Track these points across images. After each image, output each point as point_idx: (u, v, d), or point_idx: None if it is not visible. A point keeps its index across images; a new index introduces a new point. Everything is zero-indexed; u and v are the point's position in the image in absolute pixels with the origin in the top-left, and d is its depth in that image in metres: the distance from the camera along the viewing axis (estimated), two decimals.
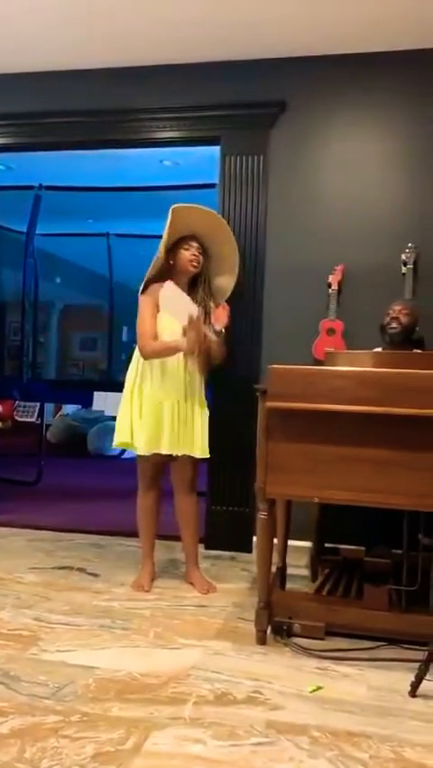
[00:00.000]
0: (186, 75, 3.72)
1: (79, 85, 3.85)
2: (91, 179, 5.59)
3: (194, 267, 2.98)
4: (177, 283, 2.98)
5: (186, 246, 2.97)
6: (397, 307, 3.10)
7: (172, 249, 2.98)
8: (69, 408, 8.74)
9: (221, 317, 2.94)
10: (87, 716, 1.86)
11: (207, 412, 3.03)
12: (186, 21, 3.32)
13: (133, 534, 3.77)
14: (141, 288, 3.00)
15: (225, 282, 3.20)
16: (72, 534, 3.89)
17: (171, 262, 2.98)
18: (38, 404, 7.00)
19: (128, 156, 4.66)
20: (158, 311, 2.93)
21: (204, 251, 3.02)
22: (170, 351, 2.86)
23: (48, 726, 1.80)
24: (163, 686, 2.05)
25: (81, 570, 3.23)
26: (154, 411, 2.89)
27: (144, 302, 2.96)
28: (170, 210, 2.93)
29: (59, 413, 8.88)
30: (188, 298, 2.97)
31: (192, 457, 2.97)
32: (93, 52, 3.69)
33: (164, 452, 2.90)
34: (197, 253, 2.98)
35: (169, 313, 2.91)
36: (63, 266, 9.26)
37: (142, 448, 2.89)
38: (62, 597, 2.83)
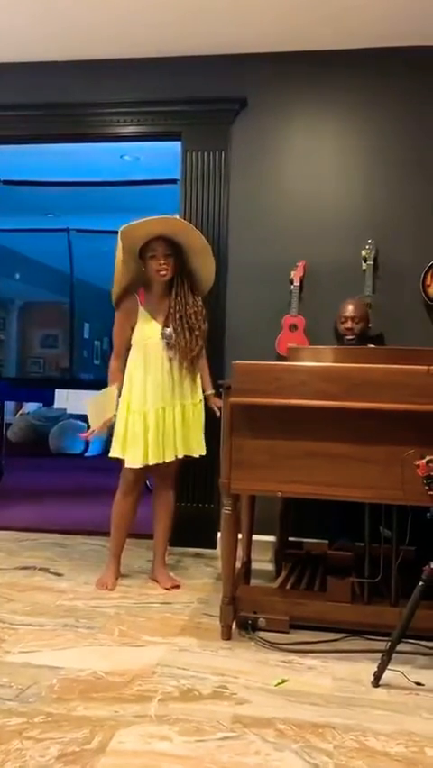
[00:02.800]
0: (147, 69, 3.69)
1: (39, 78, 3.79)
2: (51, 174, 5.51)
3: (162, 276, 2.89)
4: (152, 292, 2.95)
5: (151, 253, 2.87)
6: (348, 314, 3.15)
7: (141, 256, 2.91)
8: (30, 407, 8.61)
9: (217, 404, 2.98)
10: (51, 716, 1.84)
11: (200, 409, 3.01)
12: (146, 15, 3.30)
13: (96, 532, 3.76)
14: (114, 302, 2.98)
15: (207, 271, 3.09)
16: (35, 533, 3.84)
17: (142, 270, 2.94)
18: None
19: (88, 151, 4.62)
20: (134, 320, 2.93)
21: (173, 251, 2.90)
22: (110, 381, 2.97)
23: (11, 728, 1.77)
24: (128, 684, 2.04)
25: (44, 569, 3.19)
26: (142, 421, 2.87)
27: (118, 318, 2.98)
28: (119, 234, 2.83)
29: (20, 411, 8.76)
30: (107, 404, 2.93)
31: (175, 459, 2.96)
32: (53, 45, 3.63)
33: (151, 462, 2.88)
34: (163, 261, 2.87)
35: (90, 410, 2.95)
36: (23, 262, 9.12)
37: (129, 461, 2.87)
38: (25, 597, 2.79)
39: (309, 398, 2.29)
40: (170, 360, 2.91)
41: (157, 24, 3.38)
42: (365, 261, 3.42)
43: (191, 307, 2.94)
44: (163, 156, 4.35)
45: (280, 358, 3.36)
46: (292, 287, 3.49)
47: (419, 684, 2.09)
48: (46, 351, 11.81)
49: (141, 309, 2.93)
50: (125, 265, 2.90)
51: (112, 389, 2.94)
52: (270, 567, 3.22)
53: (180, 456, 2.96)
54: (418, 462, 2.09)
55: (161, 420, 2.88)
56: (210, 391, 3.08)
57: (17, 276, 9.32)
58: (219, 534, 3.27)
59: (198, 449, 3.00)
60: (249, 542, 2.97)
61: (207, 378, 3.11)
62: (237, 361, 2.38)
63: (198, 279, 3.05)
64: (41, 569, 3.20)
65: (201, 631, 2.48)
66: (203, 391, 3.06)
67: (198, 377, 3.02)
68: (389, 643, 2.09)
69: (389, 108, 3.52)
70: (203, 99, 3.62)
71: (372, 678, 2.09)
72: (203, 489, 3.60)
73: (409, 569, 2.37)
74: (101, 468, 6.64)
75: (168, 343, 2.89)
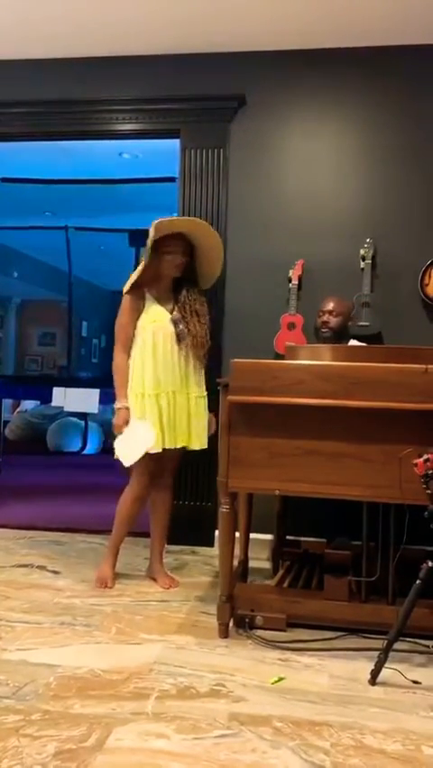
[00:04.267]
0: (145, 67, 3.69)
1: (37, 75, 3.78)
2: (49, 172, 5.51)
3: (177, 273, 2.94)
4: (161, 284, 2.95)
5: (170, 249, 2.89)
6: (327, 308, 3.17)
7: (156, 249, 2.89)
8: (28, 405, 8.61)
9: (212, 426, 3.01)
10: (48, 714, 1.84)
11: (204, 403, 2.99)
12: (146, 12, 3.29)
13: (94, 530, 3.76)
14: (126, 289, 2.92)
15: (214, 270, 3.12)
16: (32, 531, 3.84)
17: (156, 265, 2.93)
18: None
19: (87, 148, 4.61)
20: (138, 315, 2.91)
21: (186, 248, 2.94)
22: (116, 386, 2.91)
23: (8, 725, 1.77)
24: (126, 682, 2.04)
25: (42, 567, 3.19)
26: (156, 404, 2.85)
27: (126, 302, 2.92)
28: (153, 225, 2.83)
29: (18, 409, 8.75)
30: (141, 430, 2.86)
31: (180, 450, 2.94)
32: (52, 43, 3.63)
33: (167, 446, 2.85)
34: (180, 256, 2.90)
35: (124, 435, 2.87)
36: (21, 260, 9.12)
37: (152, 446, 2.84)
38: (23, 595, 2.79)
39: (307, 397, 2.29)
40: (180, 347, 2.90)
41: (156, 22, 3.38)
42: (364, 260, 3.42)
43: (198, 301, 2.99)
44: (162, 154, 4.35)
45: (279, 356, 3.37)
46: (291, 285, 3.49)
47: (415, 682, 2.09)
48: (44, 348, 11.81)
49: (148, 295, 2.93)
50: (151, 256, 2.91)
51: (143, 425, 2.85)
52: (267, 565, 3.23)
53: (181, 446, 2.93)
54: (415, 461, 2.09)
55: (172, 404, 2.88)
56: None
57: (15, 274, 9.31)
58: (217, 533, 3.27)
59: (199, 442, 2.97)
60: (246, 540, 2.97)
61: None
62: (236, 360, 2.38)
63: (202, 276, 3.07)
64: (38, 567, 3.20)
65: (198, 629, 2.48)
66: None
67: (203, 371, 3.01)
68: (386, 641, 2.10)
69: (388, 107, 3.52)
70: (202, 97, 3.61)
71: (369, 676, 2.09)
72: (200, 487, 3.60)
73: (406, 567, 2.38)
74: (99, 466, 6.65)
75: (178, 332, 2.89)
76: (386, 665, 2.09)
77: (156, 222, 2.85)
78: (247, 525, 2.95)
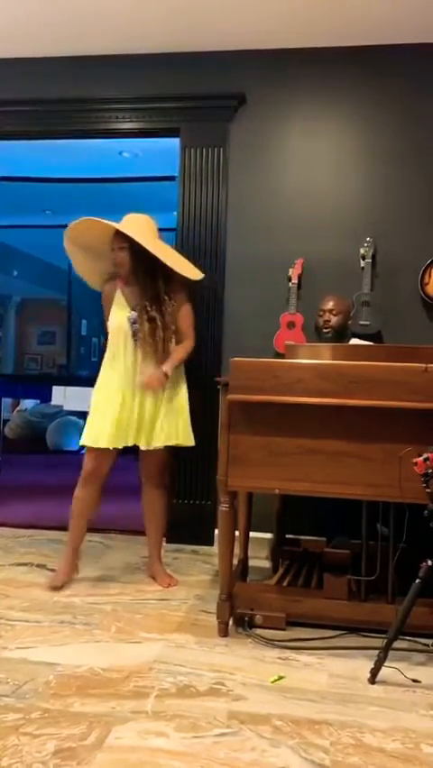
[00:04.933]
0: (145, 66, 3.68)
1: (37, 73, 3.78)
2: (49, 170, 5.50)
3: (119, 266, 2.91)
4: (125, 280, 2.95)
5: (111, 247, 2.92)
6: (327, 307, 3.17)
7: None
8: (27, 403, 8.60)
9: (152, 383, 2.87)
10: (48, 712, 1.84)
11: (177, 398, 2.94)
12: (144, 12, 3.29)
13: (93, 529, 3.73)
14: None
15: (175, 264, 2.97)
16: (32, 530, 3.84)
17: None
18: None
19: (87, 147, 4.61)
20: (110, 304, 2.96)
21: (130, 246, 2.87)
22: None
23: (8, 723, 1.77)
24: (125, 680, 2.04)
25: (41, 566, 3.19)
26: (107, 403, 2.86)
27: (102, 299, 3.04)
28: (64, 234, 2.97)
29: (18, 408, 8.75)
30: None
31: (158, 449, 2.93)
32: (51, 41, 3.62)
33: (111, 446, 2.82)
34: (118, 253, 2.89)
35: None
36: (20, 258, 9.11)
37: (88, 441, 2.85)
38: (22, 593, 2.79)
39: (307, 396, 2.29)
40: (135, 347, 2.89)
41: (155, 20, 3.38)
42: (364, 259, 3.42)
43: (157, 299, 2.87)
44: (162, 153, 4.35)
45: (279, 355, 3.36)
46: (290, 284, 3.49)
47: (415, 681, 2.10)
48: (43, 347, 11.80)
49: (118, 293, 2.95)
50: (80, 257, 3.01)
51: None
52: (267, 564, 3.23)
53: (154, 447, 2.87)
54: (415, 460, 2.09)
55: (126, 405, 2.85)
56: (164, 368, 2.89)
57: (15, 272, 9.31)
58: (216, 531, 3.27)
59: (176, 439, 2.90)
60: (246, 539, 2.97)
61: (172, 357, 2.92)
62: (235, 358, 2.38)
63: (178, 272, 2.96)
64: (38, 565, 3.20)
65: (198, 628, 2.48)
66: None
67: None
68: (385, 640, 2.10)
69: (388, 105, 3.52)
70: (201, 96, 3.61)
71: (368, 675, 2.10)
72: (200, 485, 3.60)
73: (405, 566, 2.38)
74: None
75: (134, 331, 2.88)
76: (386, 664, 2.09)
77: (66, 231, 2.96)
78: (247, 524, 2.95)
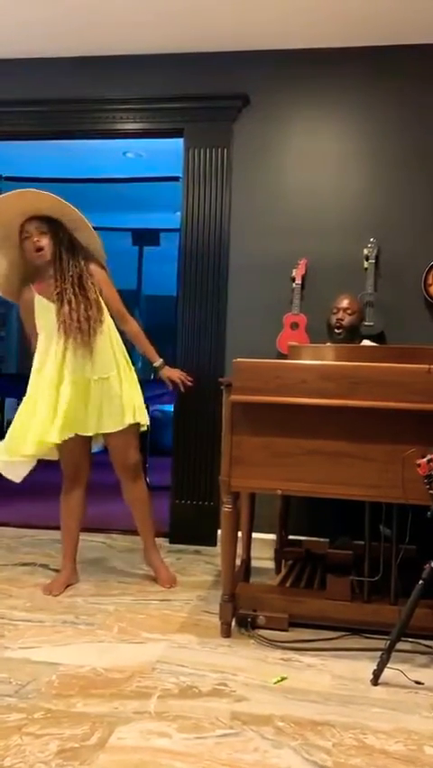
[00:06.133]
0: (149, 66, 3.69)
1: (41, 74, 3.78)
2: (53, 171, 5.50)
3: (40, 254, 2.70)
4: (44, 274, 2.75)
5: (25, 235, 2.70)
6: (342, 305, 3.15)
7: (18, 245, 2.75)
8: None
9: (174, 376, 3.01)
10: (50, 712, 1.84)
11: (116, 383, 2.79)
12: (149, 12, 3.29)
13: (96, 529, 3.76)
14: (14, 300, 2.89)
15: (90, 240, 2.84)
16: (34, 530, 3.84)
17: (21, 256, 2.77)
18: None
19: (91, 147, 4.61)
20: (33, 310, 2.79)
21: (50, 223, 2.71)
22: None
23: (11, 723, 1.77)
24: (128, 680, 2.04)
25: (44, 566, 3.20)
26: (47, 401, 2.74)
27: (21, 314, 2.89)
28: None
29: None
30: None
31: (120, 437, 2.82)
32: (55, 42, 3.63)
33: (58, 440, 2.70)
34: (39, 239, 2.69)
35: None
36: None
37: (31, 449, 2.73)
38: (25, 593, 2.80)
39: (310, 397, 2.29)
40: (60, 337, 2.71)
41: (159, 21, 3.38)
42: (367, 260, 3.42)
43: (68, 280, 2.70)
44: (166, 153, 4.35)
45: (282, 356, 3.36)
46: (294, 285, 3.49)
47: (418, 683, 2.09)
48: None
49: (38, 297, 2.77)
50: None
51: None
52: (269, 565, 3.23)
53: (87, 434, 2.80)
54: (418, 461, 2.09)
55: (67, 395, 2.71)
56: (158, 362, 2.91)
57: None
58: (219, 532, 3.27)
59: (113, 423, 2.77)
60: (249, 539, 2.97)
61: (147, 347, 2.92)
62: (238, 359, 2.38)
63: (92, 251, 2.84)
64: (40, 565, 3.20)
65: (200, 628, 2.48)
66: (150, 363, 2.97)
67: (105, 349, 2.77)
68: (388, 641, 2.10)
69: (391, 106, 3.52)
70: (205, 96, 3.62)
71: (371, 676, 2.09)
72: (203, 486, 3.60)
73: (408, 567, 2.37)
74: (101, 464, 6.64)
75: (59, 324, 2.71)
76: (388, 665, 2.09)
77: None
78: (249, 525, 2.94)
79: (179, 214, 3.70)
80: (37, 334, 2.84)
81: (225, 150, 3.62)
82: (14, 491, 4.99)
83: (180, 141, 3.69)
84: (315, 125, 3.59)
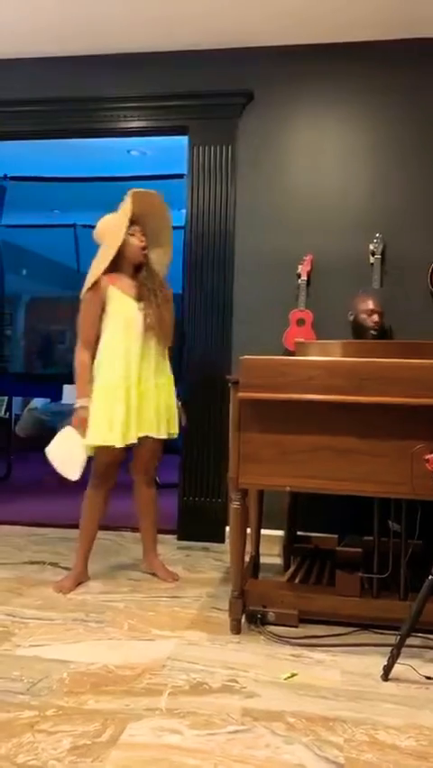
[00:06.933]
0: (153, 64, 3.69)
1: (45, 73, 3.79)
2: (57, 170, 5.52)
3: (144, 255, 2.88)
4: (123, 272, 2.87)
5: (131, 232, 2.84)
6: (371, 307, 3.13)
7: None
8: (38, 402, 8.64)
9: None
10: (62, 709, 1.85)
11: (171, 389, 2.94)
12: (152, 10, 3.29)
13: (105, 526, 3.75)
14: (87, 286, 2.81)
15: (163, 257, 3.01)
16: (44, 528, 3.86)
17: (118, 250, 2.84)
18: (5, 398, 6.91)
19: (95, 146, 4.61)
20: (104, 309, 2.82)
21: (144, 232, 2.89)
22: (78, 384, 2.82)
23: (23, 721, 1.78)
24: (139, 677, 2.05)
25: (54, 564, 3.21)
26: (124, 397, 2.77)
27: (88, 302, 2.82)
28: (130, 195, 2.80)
29: (28, 407, 8.78)
30: (73, 444, 2.81)
31: (157, 443, 2.89)
32: (59, 40, 3.63)
33: (134, 440, 2.79)
34: (143, 238, 2.86)
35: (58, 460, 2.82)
36: (29, 258, 9.13)
37: (110, 440, 2.75)
38: (35, 592, 2.81)
39: (317, 393, 2.29)
40: (147, 336, 2.82)
41: (162, 19, 3.38)
42: (373, 255, 3.41)
43: (162, 286, 2.92)
44: (170, 151, 4.34)
45: (288, 353, 3.36)
46: (299, 281, 3.48)
47: (428, 678, 2.09)
48: (53, 346, 11.82)
49: (111, 287, 2.82)
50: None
51: (70, 431, 2.83)
52: (278, 561, 3.23)
53: (160, 437, 2.87)
54: (427, 457, 2.09)
55: (138, 395, 2.80)
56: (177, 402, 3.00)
57: (24, 272, 9.33)
58: (228, 529, 3.28)
59: (167, 429, 2.90)
60: (257, 536, 2.98)
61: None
62: (245, 356, 2.37)
63: (157, 267, 2.97)
64: (50, 563, 3.22)
65: (210, 625, 2.49)
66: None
67: (166, 357, 2.93)
68: (398, 637, 2.10)
69: (396, 101, 3.50)
70: (209, 93, 3.61)
71: (381, 672, 2.09)
72: (211, 483, 3.61)
73: (418, 563, 2.37)
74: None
75: (145, 321, 2.82)
76: (399, 661, 2.08)
77: (133, 192, 2.80)
78: (258, 522, 2.95)
79: (184, 211, 3.69)
80: (98, 324, 2.84)
81: (230, 147, 3.62)
82: (23, 490, 5.02)
83: (185, 138, 3.69)
84: (319, 121, 3.58)
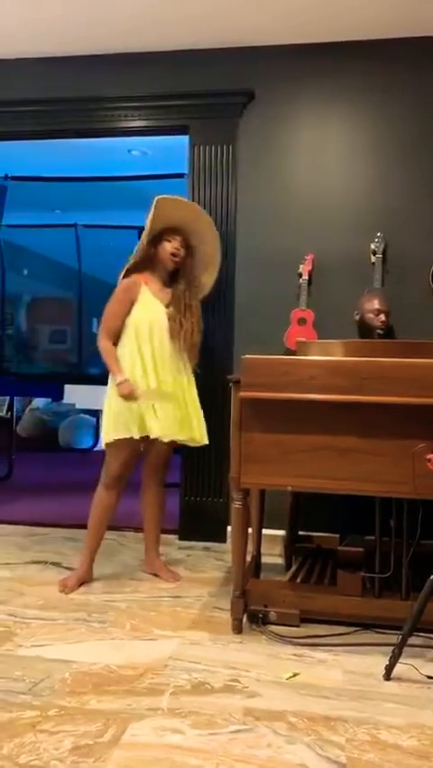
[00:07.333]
0: (153, 63, 3.68)
1: (46, 73, 3.79)
2: (58, 169, 5.52)
3: (174, 262, 2.94)
4: (156, 275, 2.96)
5: (169, 238, 2.93)
6: (378, 306, 3.12)
7: (156, 238, 2.94)
8: (39, 402, 8.64)
9: None
10: (64, 709, 1.85)
11: (195, 396, 3.00)
12: (153, 9, 3.29)
13: (108, 527, 3.76)
14: (123, 273, 2.94)
15: (206, 279, 3.18)
16: (46, 528, 3.86)
17: (153, 251, 2.94)
18: (7, 398, 6.92)
19: (96, 146, 4.61)
20: (132, 305, 2.88)
21: (187, 245, 2.98)
22: (110, 368, 2.86)
23: (25, 721, 1.79)
24: (140, 677, 2.05)
25: (56, 564, 3.21)
26: (146, 395, 2.83)
27: (120, 294, 2.89)
28: (155, 201, 2.90)
29: (29, 407, 8.78)
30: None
31: (170, 445, 2.94)
32: (60, 40, 3.63)
33: (154, 435, 2.82)
34: (179, 246, 2.93)
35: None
36: (30, 258, 9.13)
37: (129, 433, 2.80)
38: (37, 591, 2.81)
39: (319, 393, 2.28)
40: (172, 343, 2.89)
41: (163, 18, 3.37)
42: (374, 254, 3.41)
43: (195, 299, 3.00)
44: (171, 150, 4.35)
45: (289, 352, 3.36)
46: (301, 280, 3.48)
47: (430, 678, 2.09)
48: (54, 346, 11.84)
49: (144, 287, 2.91)
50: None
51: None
52: (279, 561, 3.23)
53: (180, 439, 2.91)
54: (429, 456, 2.09)
55: (161, 396, 2.84)
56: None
57: (25, 271, 9.33)
58: (229, 528, 3.28)
59: (200, 434, 2.96)
60: (259, 536, 2.98)
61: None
62: (246, 356, 2.37)
63: (197, 285, 3.07)
64: (52, 563, 3.22)
65: (212, 625, 2.49)
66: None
67: (189, 366, 2.98)
68: (400, 636, 2.09)
69: (398, 101, 3.50)
70: (210, 93, 3.61)
71: (383, 671, 2.09)
72: (212, 483, 3.61)
73: (419, 563, 2.37)
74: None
75: (171, 327, 2.88)
76: (400, 660, 2.08)
77: (159, 198, 2.88)
78: (260, 521, 2.95)
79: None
80: (123, 318, 2.88)
81: (231, 147, 3.62)
82: (25, 490, 5.03)
83: (186, 137, 3.69)
84: (320, 120, 3.58)
